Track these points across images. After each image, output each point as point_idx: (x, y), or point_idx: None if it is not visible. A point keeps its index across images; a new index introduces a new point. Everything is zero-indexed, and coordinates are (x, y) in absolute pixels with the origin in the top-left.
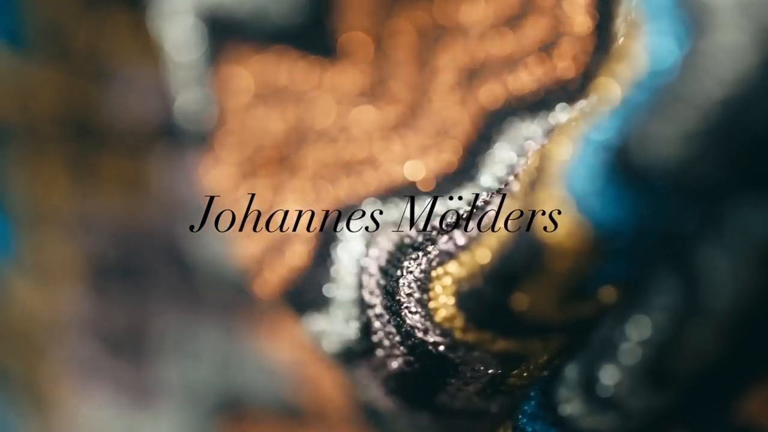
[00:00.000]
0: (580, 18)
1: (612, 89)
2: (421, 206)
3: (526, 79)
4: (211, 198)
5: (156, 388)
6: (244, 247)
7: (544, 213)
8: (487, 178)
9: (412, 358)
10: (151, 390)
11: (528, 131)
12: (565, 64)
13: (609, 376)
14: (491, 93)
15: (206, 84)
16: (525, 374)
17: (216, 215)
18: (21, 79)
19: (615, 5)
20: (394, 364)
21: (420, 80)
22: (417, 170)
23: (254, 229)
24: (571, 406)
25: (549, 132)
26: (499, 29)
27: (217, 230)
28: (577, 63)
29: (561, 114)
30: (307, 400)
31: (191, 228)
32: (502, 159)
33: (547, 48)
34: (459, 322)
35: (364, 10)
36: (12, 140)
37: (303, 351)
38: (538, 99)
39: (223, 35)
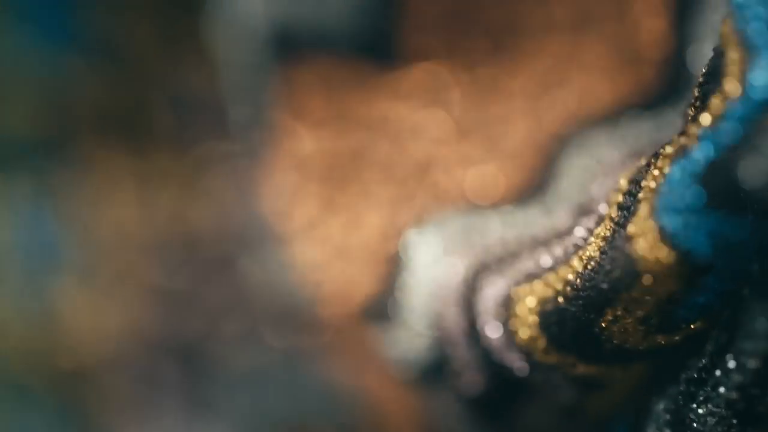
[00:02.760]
0: (650, 25)
1: (704, 118)
2: (499, 221)
3: (597, 91)
4: (270, 213)
5: (215, 404)
6: (309, 266)
7: (632, 239)
8: (564, 192)
9: (490, 380)
10: (210, 405)
11: (603, 143)
12: (638, 74)
13: (700, 416)
14: (561, 104)
15: (267, 93)
16: (603, 402)
17: (275, 231)
18: (70, 83)
19: (691, 11)
20: (472, 386)
21: (485, 89)
22: (485, 183)
23: (318, 245)
24: None
25: (633, 152)
26: (566, 38)
27: (276, 247)
28: (651, 73)
29: (639, 127)
30: (371, 425)
31: (249, 246)
32: (578, 172)
33: (617, 56)
34: (540, 344)
35: (429, 15)
36: (61, 145)
37: (369, 374)
38: (613, 109)
39: (286, 43)
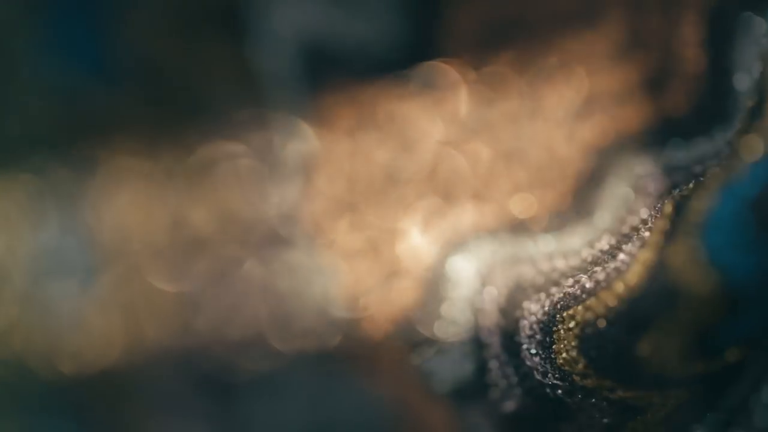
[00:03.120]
0: (690, 53)
1: (754, 144)
2: (538, 244)
3: (635, 115)
4: (307, 230)
5: (245, 427)
6: (348, 283)
7: (675, 265)
8: (603, 217)
9: (528, 401)
10: (240, 428)
11: (641, 168)
12: (676, 100)
13: None
14: (599, 129)
15: (305, 116)
16: (640, 427)
17: (313, 247)
18: (109, 111)
19: (731, 41)
20: (509, 406)
21: (524, 114)
22: (526, 206)
23: (357, 264)
24: None
25: (674, 177)
26: (607, 64)
27: (314, 263)
28: (689, 99)
29: (675, 151)
30: None
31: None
32: (616, 197)
33: (656, 83)
34: (580, 367)
35: (466, 42)
36: (98, 172)
37: (405, 389)
38: (650, 135)
39: (324, 67)
